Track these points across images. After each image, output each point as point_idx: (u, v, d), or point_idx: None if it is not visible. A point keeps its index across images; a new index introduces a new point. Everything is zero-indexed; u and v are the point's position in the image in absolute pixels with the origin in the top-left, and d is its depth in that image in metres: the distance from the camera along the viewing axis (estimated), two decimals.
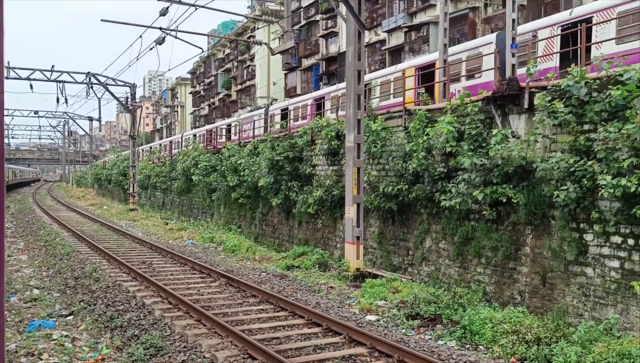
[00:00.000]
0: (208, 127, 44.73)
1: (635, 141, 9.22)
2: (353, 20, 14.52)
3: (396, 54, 34.53)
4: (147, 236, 24.71)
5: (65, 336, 9.58)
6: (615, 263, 9.92)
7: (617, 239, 9.90)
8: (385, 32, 35.29)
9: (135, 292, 12.26)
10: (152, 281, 13.01)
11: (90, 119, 62.04)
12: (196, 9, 18.36)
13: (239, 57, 62.80)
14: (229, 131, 37.12)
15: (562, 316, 10.41)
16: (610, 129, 9.61)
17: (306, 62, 47.52)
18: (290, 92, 47.99)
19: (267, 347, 8.32)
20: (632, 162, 9.17)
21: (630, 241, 9.68)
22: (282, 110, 30.25)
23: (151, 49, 22.71)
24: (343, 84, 24.28)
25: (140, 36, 22.06)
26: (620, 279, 9.82)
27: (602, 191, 9.45)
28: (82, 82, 37.67)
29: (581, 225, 10.56)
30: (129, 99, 40.44)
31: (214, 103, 71.31)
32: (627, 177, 9.21)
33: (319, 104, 25.71)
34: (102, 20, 22.43)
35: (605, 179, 9.36)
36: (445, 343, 9.49)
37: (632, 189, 8.98)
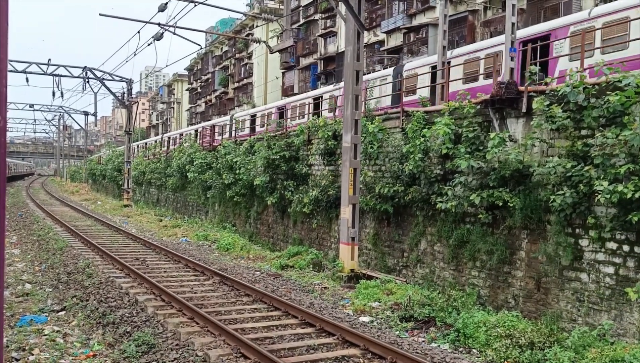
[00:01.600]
0: (278, 103, 33.75)
1: (633, 148, 9.22)
2: (353, 20, 14.49)
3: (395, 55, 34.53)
4: (140, 232, 24.60)
5: (57, 331, 9.51)
6: (610, 269, 9.92)
7: (612, 245, 9.91)
8: (384, 33, 35.30)
9: (128, 289, 12.18)
10: (145, 278, 12.93)
11: (86, 113, 61.86)
12: (195, 5, 18.30)
13: (237, 55, 62.67)
14: (316, 106, 26.89)
15: (556, 321, 10.41)
16: (608, 135, 9.61)
17: (304, 62, 47.48)
18: (287, 92, 47.93)
19: (260, 346, 8.27)
20: (628, 168, 9.17)
21: (626, 248, 9.68)
22: (432, 67, 19.73)
23: (149, 44, 22.63)
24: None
25: (139, 32, 21.97)
26: (615, 285, 9.83)
27: (599, 196, 9.45)
28: (78, 77, 37.51)
29: (577, 230, 10.56)
30: (125, 95, 40.29)
31: (210, 100, 71.14)
32: (623, 183, 9.21)
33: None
34: (100, 14, 22.33)
35: (602, 185, 9.36)
36: (439, 345, 9.47)
37: (629, 195, 8.99)
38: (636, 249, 9.52)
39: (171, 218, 31.66)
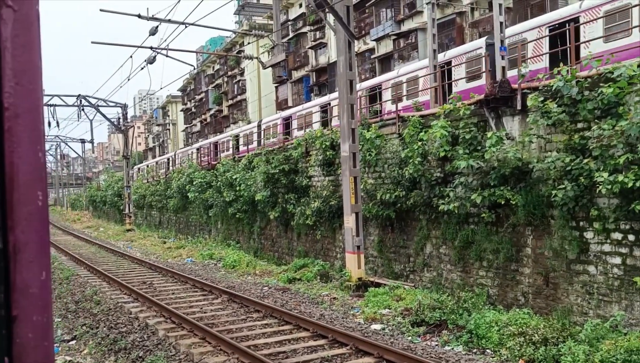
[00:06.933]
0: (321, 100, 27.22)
1: (630, 137, 9.28)
2: (342, 30, 14.59)
3: (386, 62, 34.71)
4: (145, 256, 24.57)
5: (69, 361, 9.48)
6: (617, 260, 9.93)
7: (617, 235, 9.93)
8: (373, 40, 35.49)
9: (138, 313, 12.17)
10: (153, 301, 12.91)
11: (83, 141, 61.81)
12: (186, 26, 18.42)
13: (229, 73, 62.90)
14: (372, 98, 22.70)
15: (567, 316, 10.40)
16: (604, 126, 9.67)
17: (296, 74, 47.65)
18: (281, 105, 48.08)
19: (274, 361, 8.27)
20: (627, 158, 9.23)
21: (631, 237, 9.70)
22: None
23: (142, 68, 22.73)
24: None
25: (131, 56, 22.08)
26: (623, 275, 9.84)
27: (600, 188, 9.50)
28: (73, 105, 37.65)
29: (581, 223, 10.59)
30: (121, 120, 40.41)
31: (205, 119, 71.30)
32: (623, 173, 9.26)
33: None
34: (92, 42, 22.46)
35: (602, 176, 9.41)
36: (452, 348, 9.46)
37: (630, 184, 9.03)
38: None
39: (175, 239, 31.63)
